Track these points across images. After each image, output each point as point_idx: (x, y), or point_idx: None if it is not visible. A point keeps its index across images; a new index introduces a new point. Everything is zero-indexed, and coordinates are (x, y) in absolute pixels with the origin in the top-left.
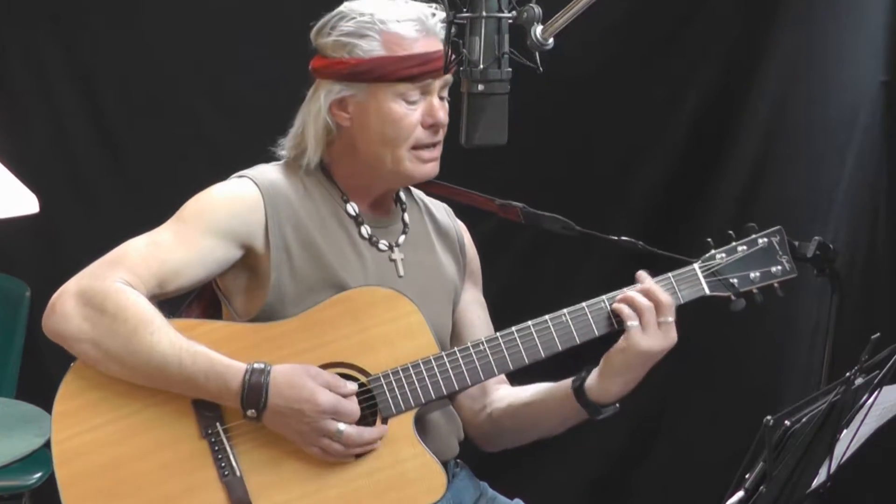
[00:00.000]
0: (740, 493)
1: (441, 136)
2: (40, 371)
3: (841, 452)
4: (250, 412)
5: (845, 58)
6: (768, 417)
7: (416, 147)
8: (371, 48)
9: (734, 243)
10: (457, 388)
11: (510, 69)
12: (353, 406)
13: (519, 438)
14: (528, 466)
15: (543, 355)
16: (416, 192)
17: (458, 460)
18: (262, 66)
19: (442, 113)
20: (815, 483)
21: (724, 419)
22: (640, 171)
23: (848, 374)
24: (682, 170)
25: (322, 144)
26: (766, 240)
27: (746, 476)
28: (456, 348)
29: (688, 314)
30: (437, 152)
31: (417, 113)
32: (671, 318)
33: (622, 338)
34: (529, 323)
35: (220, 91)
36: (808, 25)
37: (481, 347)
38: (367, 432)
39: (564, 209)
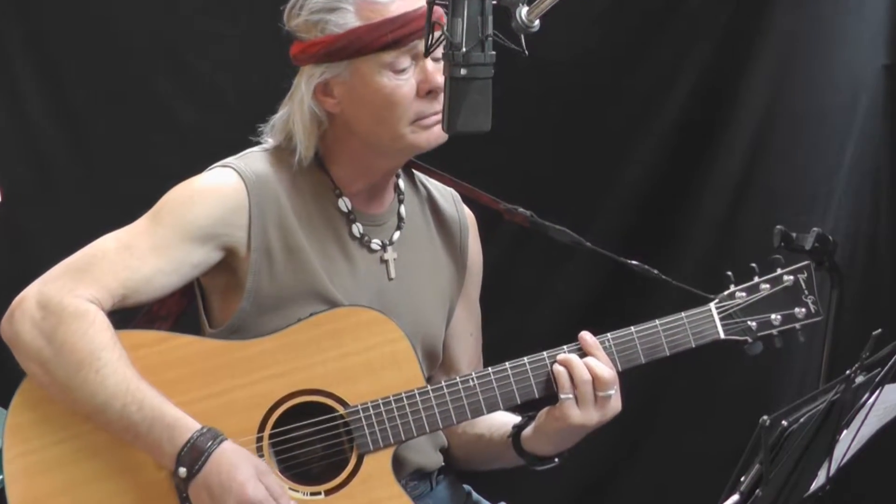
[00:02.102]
0: (735, 497)
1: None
2: None
3: (841, 454)
4: (181, 471)
5: (845, 40)
6: (764, 417)
7: (416, 121)
8: (345, 21)
9: (757, 280)
10: (441, 427)
11: (494, 52)
12: None
13: (477, 466)
14: (512, 469)
15: (519, 401)
16: (420, 176)
17: (442, 465)
18: (230, 45)
19: (439, 76)
20: (814, 486)
21: (717, 419)
22: (629, 158)
23: (848, 371)
24: (674, 157)
25: (314, 138)
26: (791, 277)
27: (741, 479)
28: (443, 382)
29: (678, 308)
30: (440, 115)
31: (411, 81)
32: (612, 392)
33: (557, 406)
34: (525, 359)
35: (186, 73)
36: (805, 6)
37: (470, 384)
38: None
39: (551, 197)
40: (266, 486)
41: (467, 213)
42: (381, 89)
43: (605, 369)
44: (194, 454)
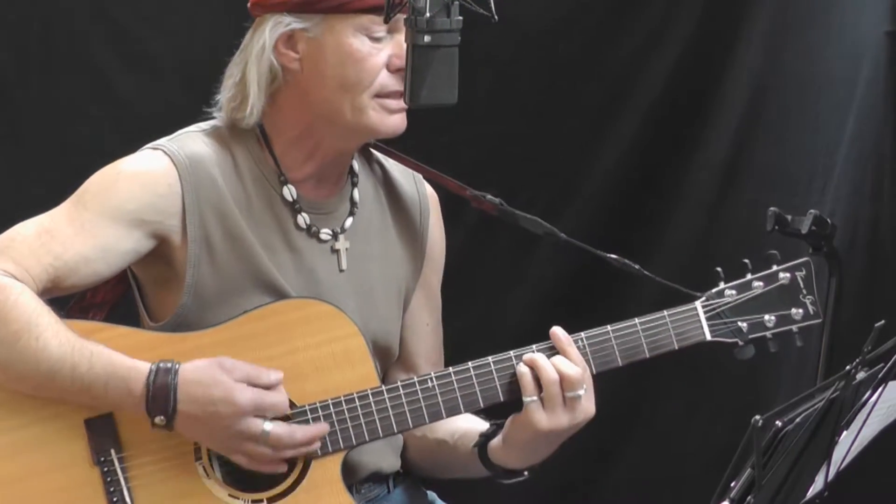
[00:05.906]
0: None
1: None
2: None
3: (840, 457)
4: (159, 419)
5: (845, 4)
6: (757, 417)
7: (379, 95)
8: None
9: (749, 277)
10: (396, 432)
11: (461, 18)
12: (278, 398)
13: (438, 473)
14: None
15: (482, 405)
16: (377, 155)
17: (402, 470)
18: (172, 13)
19: None
20: (811, 493)
21: (706, 418)
22: (608, 135)
23: (848, 367)
24: (658, 133)
25: (265, 94)
26: (788, 275)
27: (732, 484)
28: (399, 383)
29: (661, 301)
30: (404, 102)
31: (384, 54)
32: (581, 392)
33: (522, 412)
34: (490, 359)
35: (125, 42)
36: None
37: (429, 384)
38: (299, 432)
39: (523, 178)
40: (246, 380)
41: (429, 191)
42: (352, 51)
43: (572, 367)
44: (160, 398)
